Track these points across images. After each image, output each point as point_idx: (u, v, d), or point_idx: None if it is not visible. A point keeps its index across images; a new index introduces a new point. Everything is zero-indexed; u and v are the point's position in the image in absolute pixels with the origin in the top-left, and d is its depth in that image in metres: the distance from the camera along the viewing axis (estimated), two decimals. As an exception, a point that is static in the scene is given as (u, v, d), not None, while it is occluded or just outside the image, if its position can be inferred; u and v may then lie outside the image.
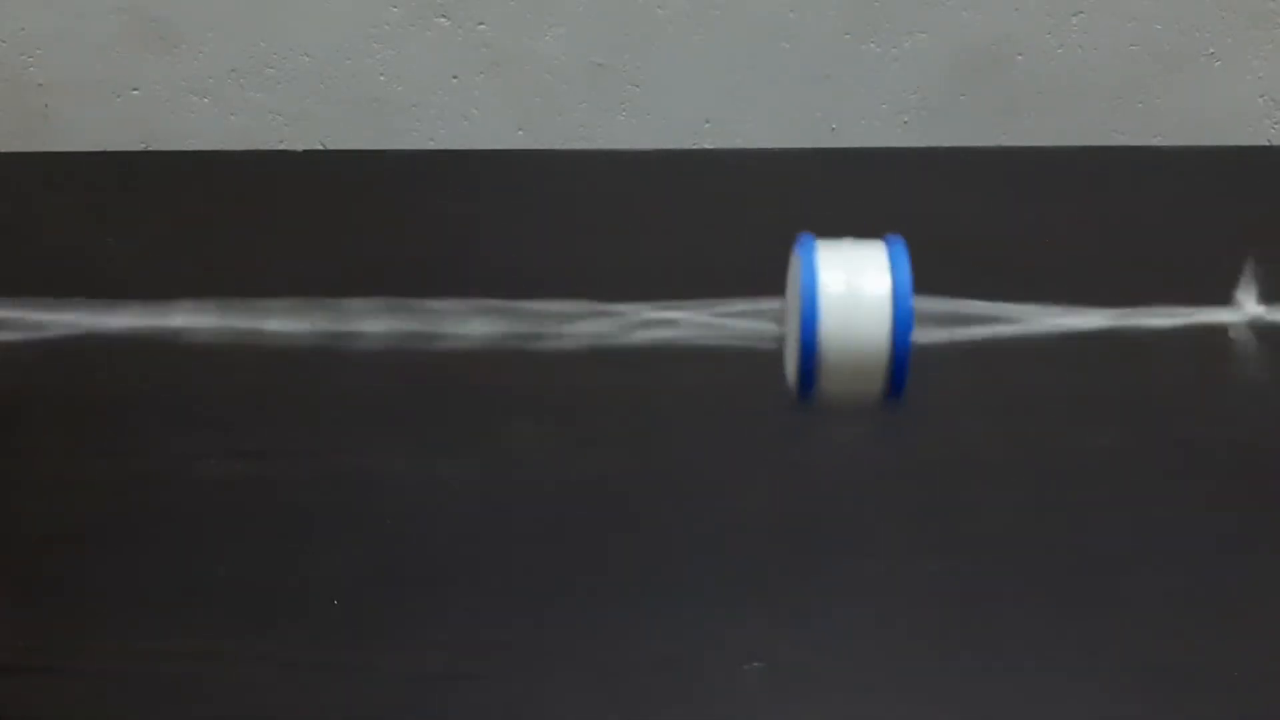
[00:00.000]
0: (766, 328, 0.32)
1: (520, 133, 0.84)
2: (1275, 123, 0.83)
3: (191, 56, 0.81)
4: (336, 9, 0.79)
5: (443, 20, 0.79)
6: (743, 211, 0.77)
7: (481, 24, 0.79)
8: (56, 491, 0.57)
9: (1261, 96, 0.82)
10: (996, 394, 0.61)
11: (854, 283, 0.29)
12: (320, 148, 0.84)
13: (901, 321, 0.29)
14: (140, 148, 0.84)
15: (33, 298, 0.33)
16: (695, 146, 0.84)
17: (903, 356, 0.29)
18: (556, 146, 0.84)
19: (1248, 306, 0.32)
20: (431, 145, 0.84)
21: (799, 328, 0.29)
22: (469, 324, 0.32)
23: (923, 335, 0.30)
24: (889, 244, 0.30)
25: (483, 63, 0.81)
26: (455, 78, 0.81)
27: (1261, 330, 0.31)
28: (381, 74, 0.81)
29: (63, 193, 0.80)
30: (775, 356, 0.34)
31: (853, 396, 0.30)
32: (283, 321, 0.32)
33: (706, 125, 0.83)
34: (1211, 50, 0.80)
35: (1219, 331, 0.33)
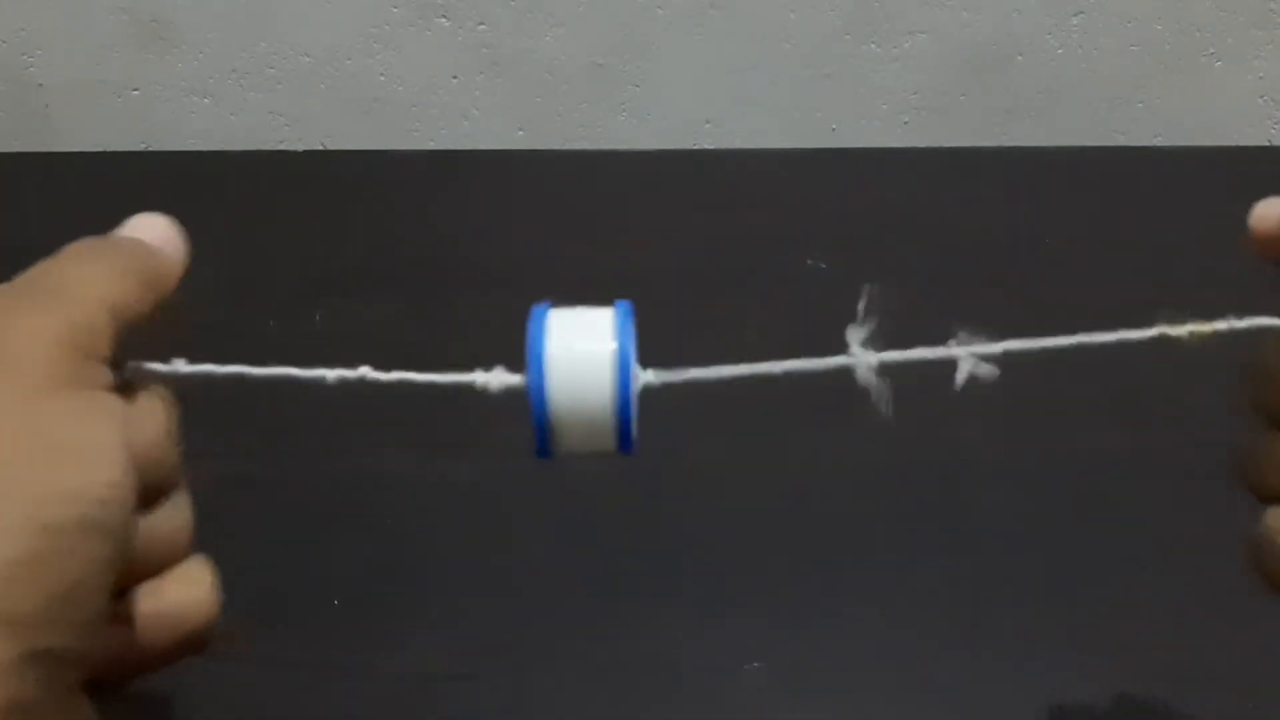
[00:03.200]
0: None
1: (520, 133, 0.84)
2: (1275, 123, 0.83)
3: (191, 56, 0.81)
4: (336, 9, 0.79)
5: (443, 20, 0.79)
6: (743, 211, 0.77)
7: (481, 24, 0.79)
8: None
9: (1262, 97, 0.82)
10: (997, 394, 0.61)
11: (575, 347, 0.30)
12: (320, 148, 0.84)
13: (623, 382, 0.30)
14: (140, 148, 0.84)
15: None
16: (695, 146, 0.84)
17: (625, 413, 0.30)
18: (556, 146, 0.84)
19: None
20: (431, 145, 0.84)
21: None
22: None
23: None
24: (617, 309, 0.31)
25: (483, 63, 0.81)
26: (455, 78, 0.81)
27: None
28: (381, 74, 0.81)
29: (63, 193, 0.80)
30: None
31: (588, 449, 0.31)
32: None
33: (706, 125, 0.83)
34: (1211, 50, 0.80)
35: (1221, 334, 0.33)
